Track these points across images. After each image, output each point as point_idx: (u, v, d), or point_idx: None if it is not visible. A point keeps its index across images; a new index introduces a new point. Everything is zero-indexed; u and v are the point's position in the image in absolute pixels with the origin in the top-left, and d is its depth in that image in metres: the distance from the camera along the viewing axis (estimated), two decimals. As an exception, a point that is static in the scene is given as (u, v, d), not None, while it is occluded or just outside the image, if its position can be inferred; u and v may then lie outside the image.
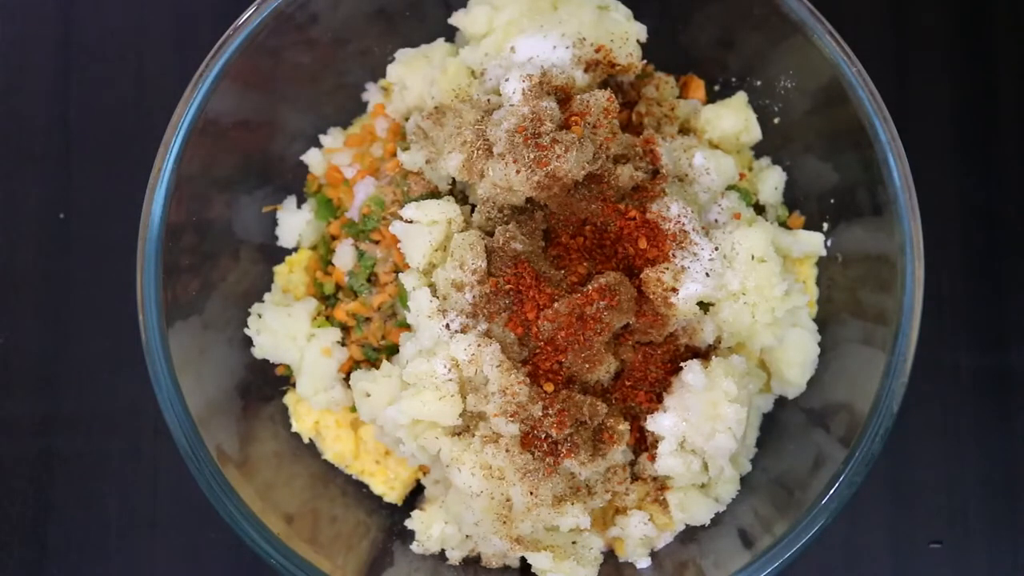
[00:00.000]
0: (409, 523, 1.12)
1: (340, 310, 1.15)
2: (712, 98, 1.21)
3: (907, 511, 1.25)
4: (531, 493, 1.01)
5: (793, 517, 1.02)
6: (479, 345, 1.01)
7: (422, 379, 1.03)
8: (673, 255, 1.05)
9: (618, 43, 1.11)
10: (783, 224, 1.19)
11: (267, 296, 1.17)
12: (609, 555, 1.13)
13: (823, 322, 1.16)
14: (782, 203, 1.20)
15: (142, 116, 1.29)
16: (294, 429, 1.16)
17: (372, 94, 1.22)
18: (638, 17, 1.13)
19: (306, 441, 1.17)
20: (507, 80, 1.05)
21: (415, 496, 1.18)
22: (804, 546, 1.00)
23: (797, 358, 1.12)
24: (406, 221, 1.07)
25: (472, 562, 1.13)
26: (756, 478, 1.14)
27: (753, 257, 1.07)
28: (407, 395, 1.03)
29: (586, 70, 1.10)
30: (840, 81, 1.06)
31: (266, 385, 1.17)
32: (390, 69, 1.16)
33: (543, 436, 1.02)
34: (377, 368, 1.11)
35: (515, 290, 1.03)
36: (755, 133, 1.19)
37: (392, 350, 1.13)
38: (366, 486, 1.17)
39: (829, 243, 1.16)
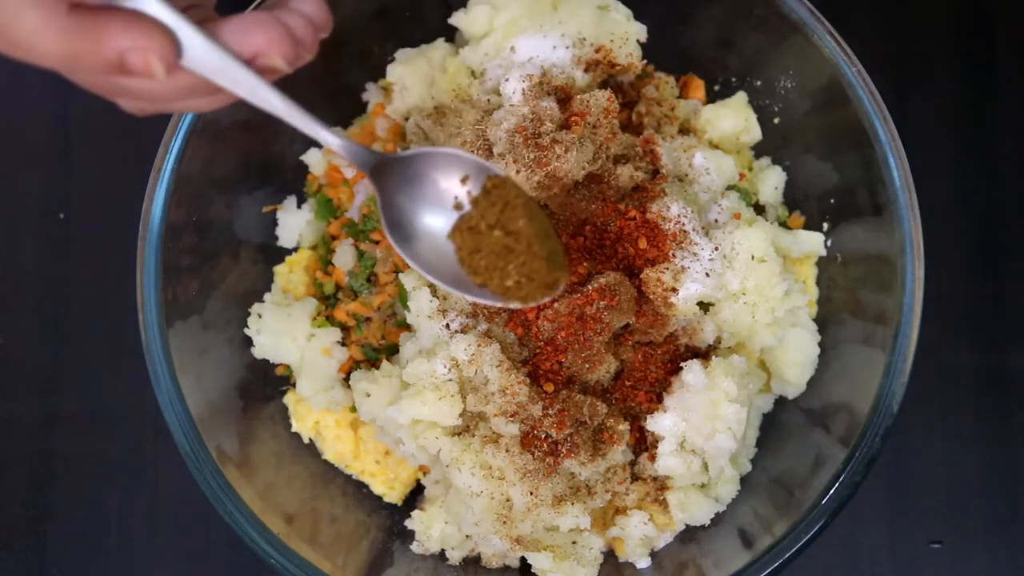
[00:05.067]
0: (409, 523, 1.12)
1: (340, 310, 1.15)
2: (712, 98, 1.21)
3: (907, 511, 1.25)
4: (531, 493, 1.01)
5: (793, 517, 1.02)
6: (479, 345, 1.01)
7: (422, 379, 1.03)
8: (673, 255, 1.05)
9: (618, 43, 1.11)
10: (783, 224, 1.19)
11: (267, 296, 1.17)
12: (609, 555, 1.13)
13: (823, 322, 1.16)
14: (782, 203, 1.20)
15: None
16: (294, 429, 1.16)
17: (372, 94, 1.22)
18: (638, 17, 1.13)
19: (306, 441, 1.17)
20: (507, 80, 1.05)
21: (415, 496, 1.18)
22: (804, 546, 1.00)
23: (797, 358, 1.12)
24: (406, 221, 1.07)
25: (472, 562, 1.13)
26: (756, 478, 1.14)
27: (753, 257, 1.07)
28: (407, 395, 1.03)
29: (586, 70, 1.10)
30: (840, 81, 1.06)
31: (266, 385, 1.17)
32: (390, 69, 1.16)
33: (543, 436, 1.02)
34: (377, 368, 1.11)
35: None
36: (755, 133, 1.19)
37: (392, 350, 1.13)
38: (366, 486, 1.17)
39: (829, 243, 1.16)
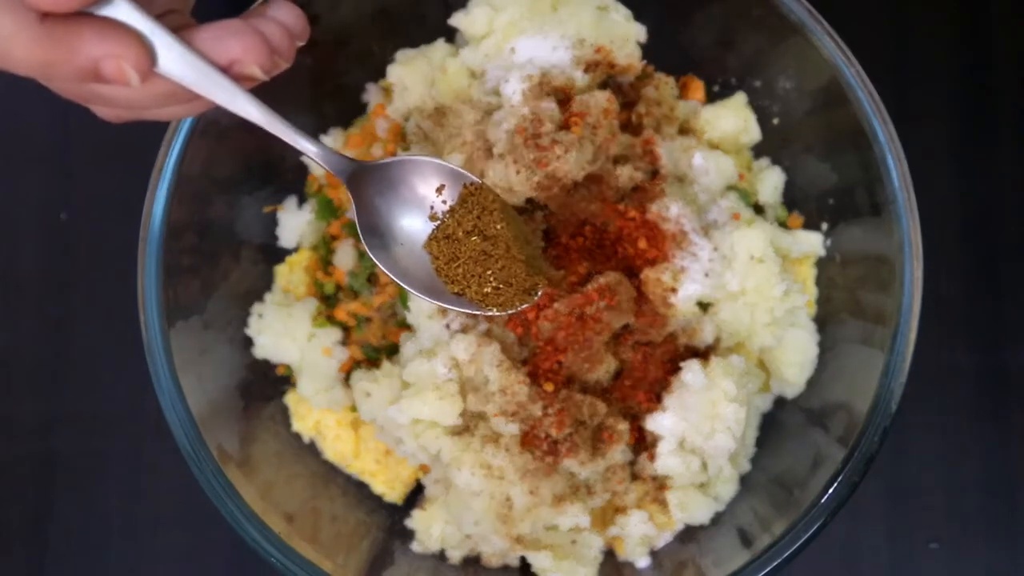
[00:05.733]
0: (409, 522, 1.12)
1: (341, 310, 1.15)
2: (712, 99, 1.21)
3: (906, 511, 1.26)
4: (531, 492, 1.02)
5: (792, 516, 1.02)
6: (479, 345, 1.02)
7: (422, 379, 1.03)
8: (673, 255, 1.05)
9: (618, 44, 1.11)
10: (782, 224, 1.20)
11: (268, 296, 1.17)
12: (609, 554, 1.13)
13: (822, 322, 1.16)
14: (781, 203, 1.20)
15: (143, 116, 1.29)
16: (295, 429, 1.17)
17: (372, 95, 1.23)
18: (638, 18, 1.13)
19: (307, 441, 1.17)
20: (507, 81, 1.05)
21: (415, 496, 1.19)
22: (803, 545, 1.00)
23: (796, 358, 1.12)
24: (406, 221, 1.08)
25: (472, 561, 1.13)
26: (755, 478, 1.15)
27: (752, 257, 1.07)
28: (407, 395, 1.03)
29: (586, 71, 1.10)
30: (839, 82, 1.06)
31: (267, 385, 1.17)
32: (390, 70, 1.17)
33: (543, 436, 1.02)
34: (378, 368, 1.11)
35: (515, 290, 1.03)
36: (754, 134, 1.19)
37: (392, 350, 1.13)
38: (366, 486, 1.18)
39: (828, 243, 1.17)
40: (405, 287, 0.87)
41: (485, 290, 0.87)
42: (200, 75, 0.70)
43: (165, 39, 0.69)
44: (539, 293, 0.89)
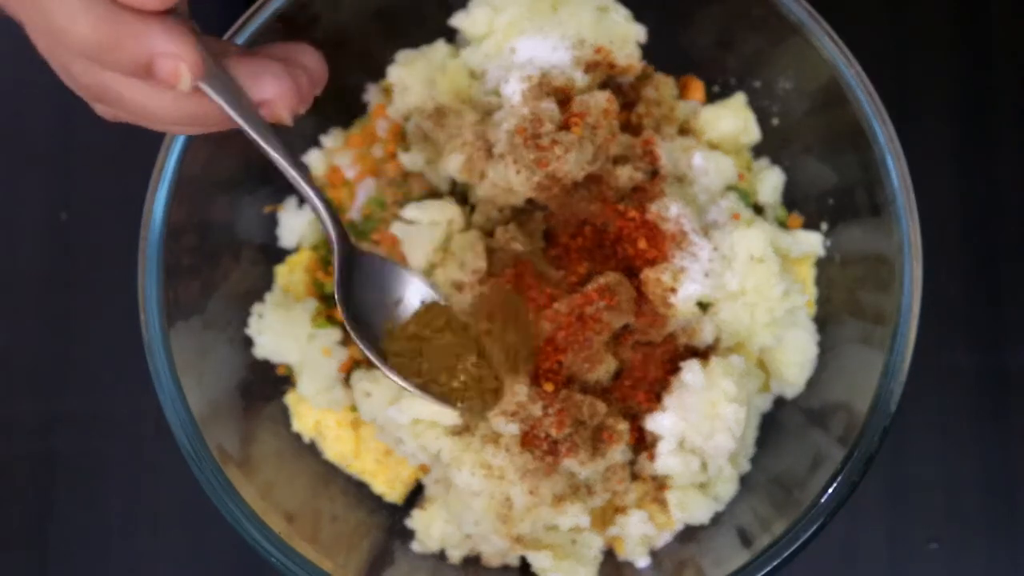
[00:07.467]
0: (409, 522, 1.12)
1: (341, 310, 1.15)
2: (711, 99, 1.21)
3: (905, 511, 1.26)
4: (531, 492, 1.02)
5: (792, 516, 1.02)
6: (479, 345, 1.02)
7: (422, 379, 1.03)
8: (672, 255, 1.05)
9: (618, 44, 1.11)
10: (782, 224, 1.20)
11: (268, 296, 1.17)
12: (609, 554, 1.13)
13: (822, 322, 1.16)
14: (781, 203, 1.20)
15: (143, 117, 1.28)
16: (295, 429, 1.17)
17: (372, 95, 1.23)
18: (638, 18, 1.13)
19: (307, 441, 1.17)
20: (507, 81, 1.05)
21: (416, 495, 1.19)
22: (803, 545, 1.00)
23: (796, 358, 1.12)
24: (407, 222, 1.08)
25: (472, 561, 1.13)
26: (755, 478, 1.15)
27: (752, 257, 1.07)
28: (407, 395, 1.03)
29: (586, 71, 1.10)
30: (839, 82, 1.06)
31: (267, 385, 1.17)
32: (390, 70, 1.17)
33: (543, 435, 1.02)
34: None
35: (515, 290, 1.03)
36: (754, 134, 1.19)
37: (393, 350, 1.13)
38: (367, 486, 1.18)
39: (828, 243, 1.17)
40: (384, 371, 0.93)
41: (453, 384, 0.91)
42: (234, 103, 0.70)
43: (208, 58, 0.68)
44: (500, 397, 0.92)
